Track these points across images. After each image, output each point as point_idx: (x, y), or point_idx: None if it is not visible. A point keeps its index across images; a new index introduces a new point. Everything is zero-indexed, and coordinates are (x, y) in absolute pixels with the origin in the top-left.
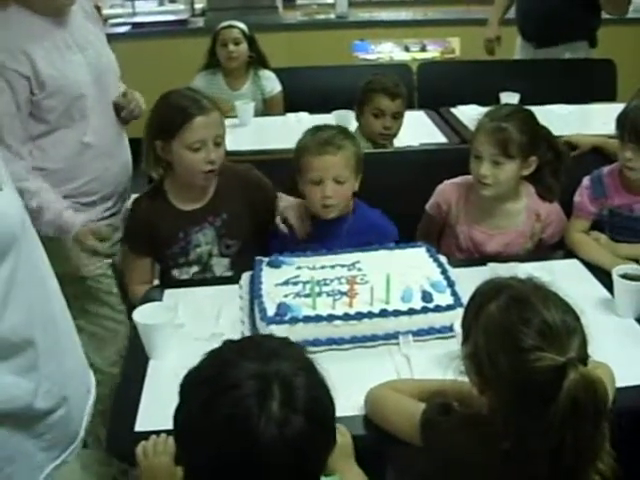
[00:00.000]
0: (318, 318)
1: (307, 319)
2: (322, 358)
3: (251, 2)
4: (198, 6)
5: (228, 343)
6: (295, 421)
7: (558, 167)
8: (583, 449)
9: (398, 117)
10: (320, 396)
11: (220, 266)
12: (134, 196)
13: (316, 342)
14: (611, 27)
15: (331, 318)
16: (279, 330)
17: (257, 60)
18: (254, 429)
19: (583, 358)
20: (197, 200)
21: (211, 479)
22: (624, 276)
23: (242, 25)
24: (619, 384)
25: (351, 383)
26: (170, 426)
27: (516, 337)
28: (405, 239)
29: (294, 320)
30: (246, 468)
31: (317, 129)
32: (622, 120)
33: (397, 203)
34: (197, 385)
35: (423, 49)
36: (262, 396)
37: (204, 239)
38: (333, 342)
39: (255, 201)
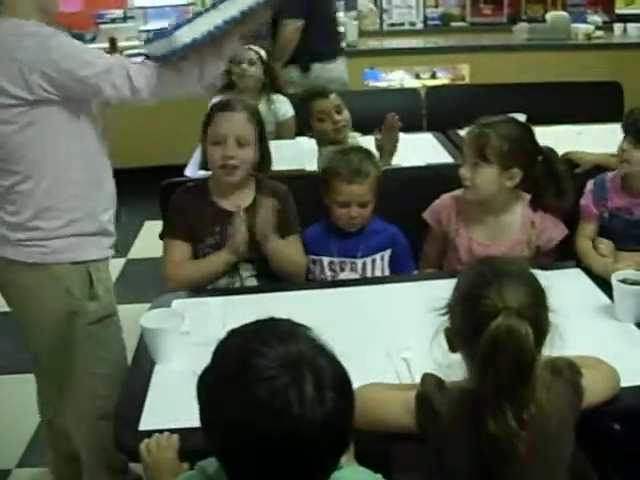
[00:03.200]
0: None
1: None
2: None
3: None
4: None
5: (239, 331)
6: (329, 398)
7: (559, 187)
8: (502, 390)
9: (340, 110)
10: (340, 370)
11: (246, 270)
12: None
13: None
14: (618, 52)
15: None
16: None
17: (272, 85)
18: (296, 415)
19: (533, 321)
20: (237, 201)
21: (258, 469)
22: (623, 281)
23: (260, 50)
24: (626, 383)
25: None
26: (174, 425)
27: (474, 289)
28: (415, 253)
29: None
30: (293, 453)
31: (345, 152)
32: (626, 115)
33: (410, 216)
34: (225, 381)
35: (433, 76)
36: (296, 381)
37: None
38: None
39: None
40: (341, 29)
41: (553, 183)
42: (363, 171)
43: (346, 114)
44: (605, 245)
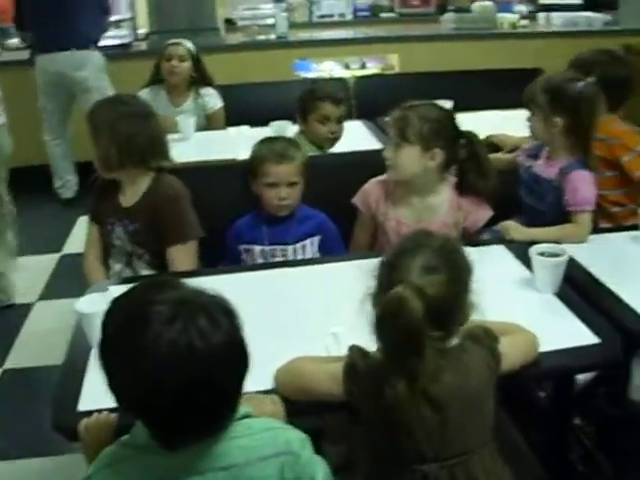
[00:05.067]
0: None
1: None
2: (255, 336)
3: (194, 25)
4: (141, 31)
5: (127, 294)
6: (224, 322)
7: (481, 168)
8: (391, 359)
9: (341, 121)
10: (221, 299)
11: (140, 262)
12: None
13: None
14: (542, 40)
15: None
16: None
17: (201, 79)
18: (200, 347)
19: (446, 295)
20: (132, 197)
21: (180, 410)
22: (542, 254)
23: (189, 44)
24: (544, 349)
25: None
26: (112, 404)
27: (392, 257)
28: (346, 239)
29: None
30: (207, 384)
31: (270, 140)
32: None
33: (339, 202)
34: (128, 338)
35: (363, 66)
36: (191, 318)
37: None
38: None
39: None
40: None
41: (475, 164)
42: (288, 154)
43: (342, 127)
44: (513, 225)
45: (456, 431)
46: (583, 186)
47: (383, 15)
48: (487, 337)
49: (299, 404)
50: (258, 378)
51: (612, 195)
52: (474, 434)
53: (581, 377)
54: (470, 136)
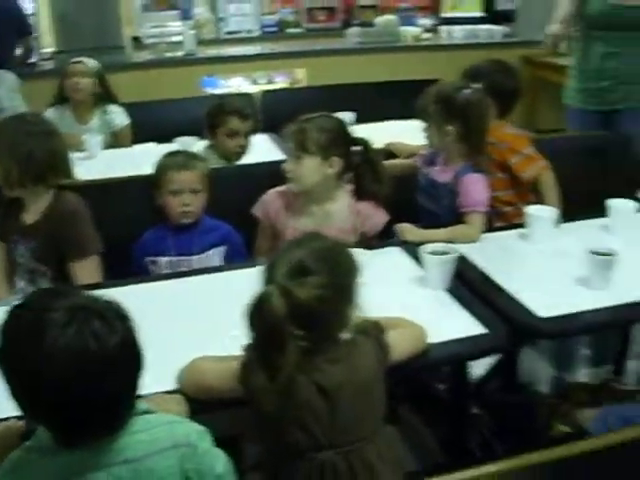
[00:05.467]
0: None
1: None
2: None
3: (100, 43)
4: (46, 50)
5: (24, 304)
6: (118, 326)
7: (376, 173)
8: (256, 352)
9: (248, 135)
10: (115, 305)
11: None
12: None
13: None
14: (444, 52)
15: None
16: None
17: (106, 96)
18: (94, 349)
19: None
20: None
21: (78, 410)
22: (433, 253)
23: (91, 61)
24: (435, 340)
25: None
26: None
27: (271, 257)
28: (251, 245)
29: None
30: (100, 384)
31: (172, 153)
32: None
33: (245, 213)
34: (25, 345)
35: (271, 81)
36: (86, 323)
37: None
38: None
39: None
40: None
41: (370, 170)
42: (190, 163)
43: (250, 141)
44: (408, 227)
45: (349, 419)
46: (475, 189)
47: (290, 31)
48: (375, 330)
49: (202, 402)
50: (163, 380)
51: (504, 196)
52: (366, 422)
53: (477, 371)
54: (364, 143)
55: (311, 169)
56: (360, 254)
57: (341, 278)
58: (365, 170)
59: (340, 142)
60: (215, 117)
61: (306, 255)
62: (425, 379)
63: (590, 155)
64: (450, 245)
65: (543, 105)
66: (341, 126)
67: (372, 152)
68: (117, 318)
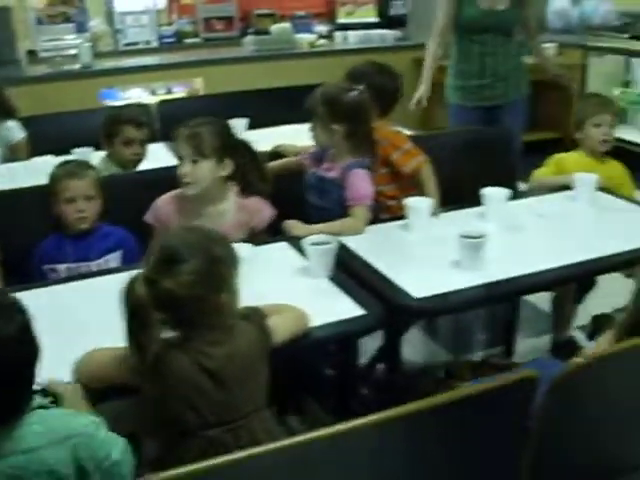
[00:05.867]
0: None
1: None
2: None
3: None
4: None
5: None
6: (16, 317)
7: (261, 171)
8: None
9: (144, 143)
10: (12, 299)
11: None
12: None
13: None
14: (339, 57)
15: None
16: None
17: (1, 111)
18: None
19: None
20: None
21: None
22: (315, 244)
23: None
24: (319, 322)
25: None
26: None
27: None
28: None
29: None
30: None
31: (65, 163)
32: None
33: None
34: None
35: (169, 92)
36: None
37: None
38: None
39: None
40: None
41: (255, 169)
42: (81, 171)
43: (146, 149)
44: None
45: (234, 398)
46: (360, 183)
47: (188, 41)
48: (257, 316)
49: (98, 390)
50: (64, 373)
51: (388, 190)
52: (251, 400)
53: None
54: (247, 144)
55: (207, 172)
56: (244, 248)
57: (212, 267)
58: (250, 170)
59: (230, 144)
60: (110, 126)
61: (176, 245)
62: (317, 366)
63: (471, 148)
64: (330, 236)
65: (437, 105)
66: (229, 129)
67: (255, 152)
68: (14, 310)
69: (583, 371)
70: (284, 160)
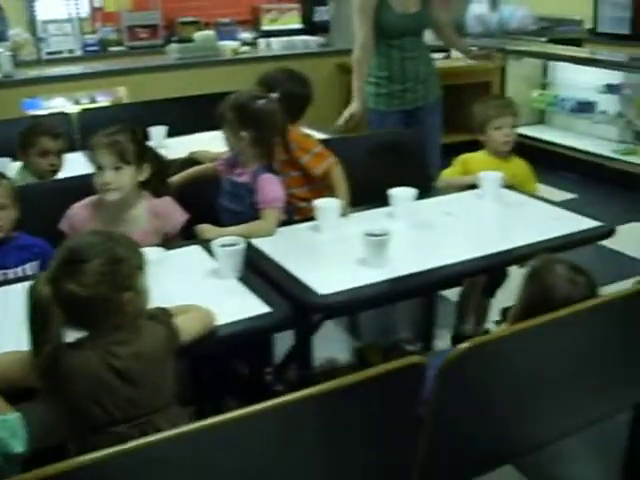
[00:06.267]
0: None
1: None
2: None
3: None
4: None
5: None
6: None
7: (164, 174)
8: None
9: (61, 154)
10: None
11: None
12: None
13: None
14: (263, 63)
15: None
16: None
17: None
18: None
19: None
20: None
21: None
22: (223, 246)
23: None
24: (226, 321)
25: None
26: None
27: None
28: None
29: None
30: None
31: None
32: None
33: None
34: None
35: (93, 101)
36: None
37: None
38: None
39: None
40: None
41: (163, 174)
42: None
43: (62, 159)
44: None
45: (141, 395)
46: (269, 187)
47: (112, 49)
48: (164, 315)
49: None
50: None
51: (299, 192)
52: (159, 397)
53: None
54: (153, 149)
55: (129, 178)
56: (155, 251)
57: (115, 267)
58: (159, 174)
59: (144, 149)
60: (26, 137)
61: (79, 245)
62: (235, 365)
63: (386, 149)
64: (238, 238)
65: None
66: (142, 135)
67: (161, 158)
68: None
69: (468, 356)
70: (202, 166)
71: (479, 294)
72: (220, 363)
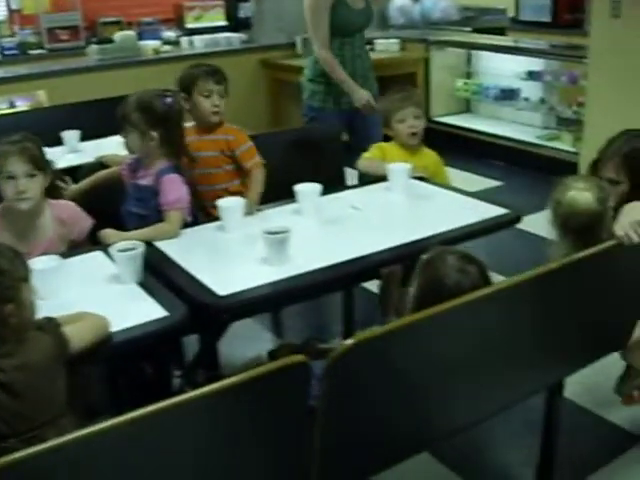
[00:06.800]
0: None
1: None
2: None
3: None
4: None
5: None
6: None
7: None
8: None
9: None
10: None
11: None
12: None
13: None
14: (186, 62)
15: None
16: None
17: None
18: None
19: None
20: None
21: None
22: (123, 251)
23: None
24: (123, 327)
25: None
26: None
27: None
28: None
29: None
30: None
31: None
32: None
33: None
34: None
35: (12, 105)
36: None
37: None
38: None
39: None
40: None
41: (60, 181)
42: None
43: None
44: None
45: (28, 409)
46: (173, 188)
47: (32, 52)
48: (51, 325)
49: None
50: None
51: (232, 186)
52: (48, 409)
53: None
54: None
55: (41, 185)
56: (52, 260)
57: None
58: (58, 181)
59: (45, 156)
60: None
61: None
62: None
63: (301, 145)
64: (137, 242)
65: (285, 103)
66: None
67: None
68: None
69: (354, 351)
70: (107, 170)
71: (398, 286)
72: (133, 369)
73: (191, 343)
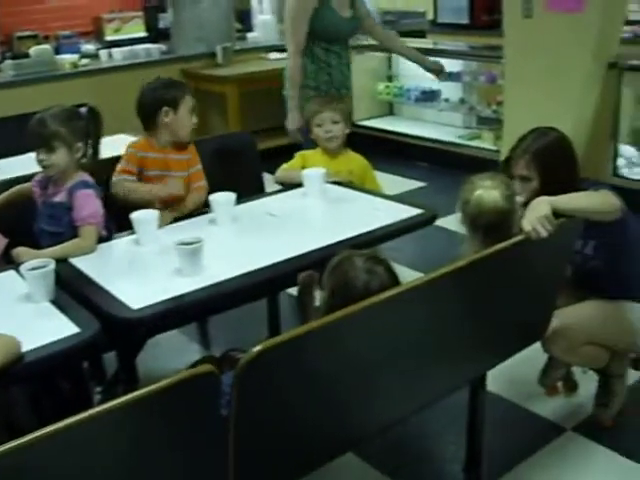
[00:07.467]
0: None
1: None
2: None
3: None
4: None
5: None
6: None
7: None
8: None
9: None
10: None
11: None
12: None
13: None
14: (104, 75)
15: None
16: None
17: None
18: None
19: None
20: None
21: None
22: (33, 269)
23: None
24: (33, 346)
25: None
26: None
27: None
28: None
29: None
30: None
31: None
32: None
33: None
34: None
35: None
36: None
37: None
38: None
39: None
40: None
41: None
42: None
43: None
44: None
45: None
46: (86, 203)
47: None
48: None
49: None
50: None
51: None
52: None
53: None
54: None
55: None
56: None
57: None
58: None
59: None
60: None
61: None
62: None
63: (222, 154)
64: (49, 260)
65: (208, 113)
66: None
67: None
68: None
69: (262, 359)
70: (17, 187)
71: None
72: (51, 387)
73: (112, 358)
